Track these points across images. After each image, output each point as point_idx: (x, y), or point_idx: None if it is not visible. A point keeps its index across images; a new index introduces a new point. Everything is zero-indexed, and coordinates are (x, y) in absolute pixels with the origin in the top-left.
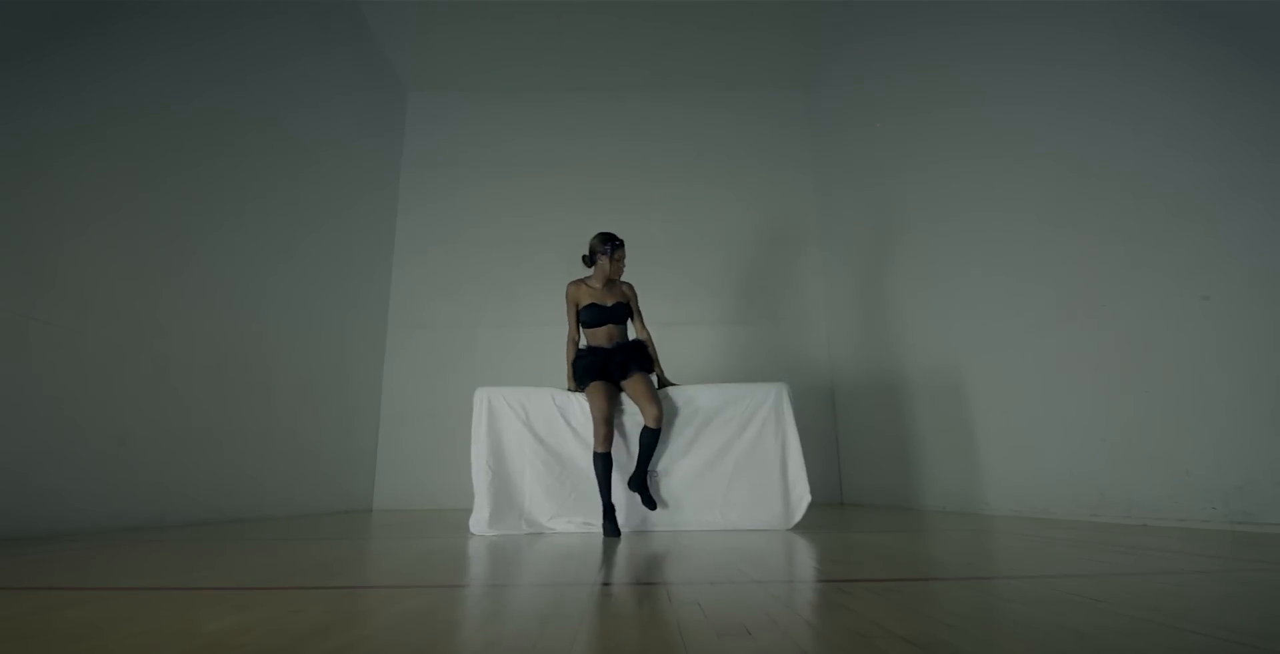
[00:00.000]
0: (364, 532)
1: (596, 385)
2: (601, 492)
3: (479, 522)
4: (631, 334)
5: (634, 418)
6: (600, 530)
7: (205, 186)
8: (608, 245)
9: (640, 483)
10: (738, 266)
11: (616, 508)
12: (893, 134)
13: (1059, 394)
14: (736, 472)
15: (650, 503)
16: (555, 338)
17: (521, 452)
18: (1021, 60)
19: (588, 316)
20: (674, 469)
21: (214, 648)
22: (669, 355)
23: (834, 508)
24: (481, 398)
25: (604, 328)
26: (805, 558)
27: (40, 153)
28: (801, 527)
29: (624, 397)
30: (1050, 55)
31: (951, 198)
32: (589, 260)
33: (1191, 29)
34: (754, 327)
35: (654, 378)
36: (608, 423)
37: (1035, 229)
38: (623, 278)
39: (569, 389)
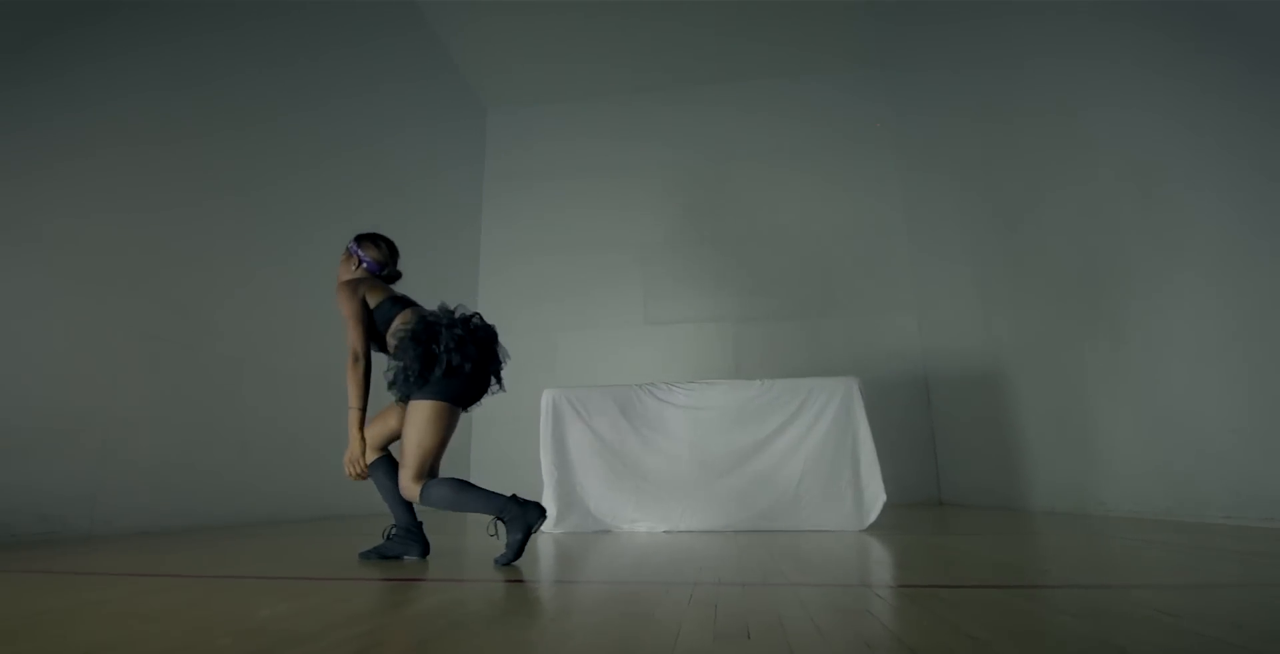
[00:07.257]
0: (430, 529)
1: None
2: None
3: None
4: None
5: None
6: (665, 529)
7: (296, 203)
8: None
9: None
10: (818, 259)
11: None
12: (977, 121)
13: (1193, 377)
14: (806, 470)
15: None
16: (623, 341)
17: (585, 451)
18: (1102, 57)
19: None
20: (742, 467)
21: (258, 632)
22: (747, 350)
23: (930, 508)
24: (547, 400)
25: None
26: (856, 561)
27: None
28: (878, 528)
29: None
30: (1129, 54)
31: (1044, 179)
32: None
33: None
34: (836, 319)
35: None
36: None
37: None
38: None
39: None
